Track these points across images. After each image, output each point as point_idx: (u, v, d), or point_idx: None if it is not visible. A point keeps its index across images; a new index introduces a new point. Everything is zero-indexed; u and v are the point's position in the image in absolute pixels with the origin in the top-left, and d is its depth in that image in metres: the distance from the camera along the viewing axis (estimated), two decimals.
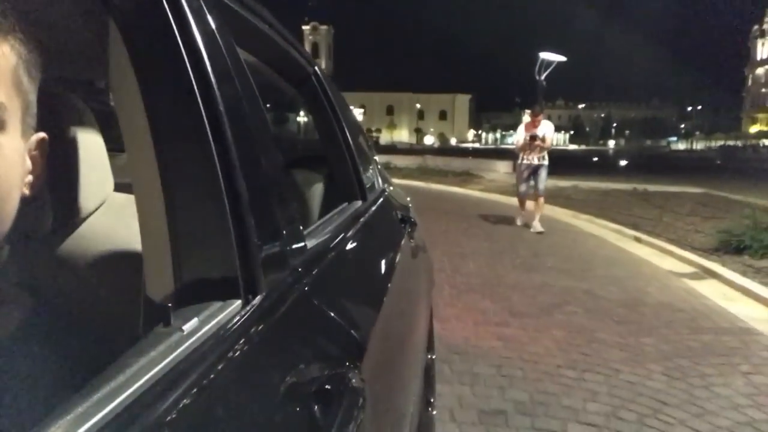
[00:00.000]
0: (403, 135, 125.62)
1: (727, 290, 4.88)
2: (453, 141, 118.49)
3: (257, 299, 0.61)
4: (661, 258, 6.27)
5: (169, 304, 0.53)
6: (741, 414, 2.58)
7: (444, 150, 50.15)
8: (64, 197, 0.68)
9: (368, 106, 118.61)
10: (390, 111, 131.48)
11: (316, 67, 1.56)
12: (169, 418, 0.40)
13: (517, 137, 7.89)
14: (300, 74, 1.51)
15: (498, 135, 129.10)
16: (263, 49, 1.17)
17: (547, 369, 3.04)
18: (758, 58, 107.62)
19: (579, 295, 4.49)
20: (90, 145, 0.71)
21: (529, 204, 7.93)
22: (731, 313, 4.22)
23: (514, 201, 11.50)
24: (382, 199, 1.80)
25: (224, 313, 0.56)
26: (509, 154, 26.97)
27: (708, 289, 4.93)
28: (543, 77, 17.90)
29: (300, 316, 0.73)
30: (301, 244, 0.84)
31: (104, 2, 0.60)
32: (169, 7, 0.61)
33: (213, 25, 0.69)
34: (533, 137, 7.45)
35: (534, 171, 7.60)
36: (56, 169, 0.64)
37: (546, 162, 7.62)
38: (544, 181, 7.70)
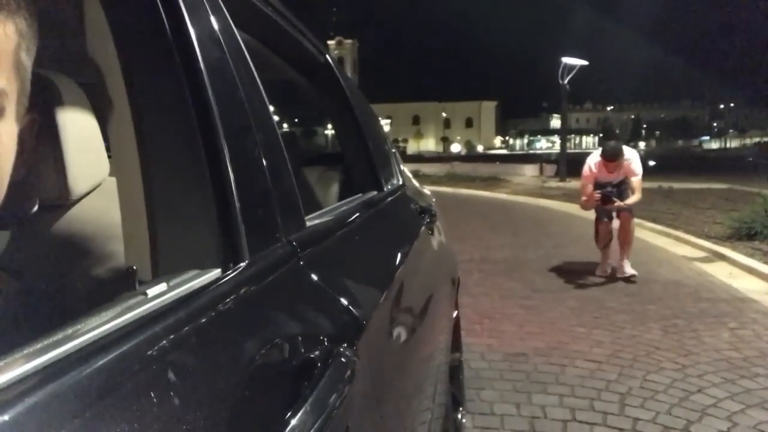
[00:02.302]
0: (429, 144, 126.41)
1: (734, 270, 5.37)
2: (480, 148, 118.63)
3: (239, 267, 0.60)
4: (676, 246, 6.76)
5: (134, 267, 0.53)
6: (720, 354, 3.15)
7: (471, 157, 50.57)
8: (52, 179, 0.66)
9: (394, 116, 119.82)
10: (416, 121, 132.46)
11: (328, 56, 1.52)
12: (111, 372, 0.39)
13: (583, 187, 4.97)
14: (311, 64, 1.47)
15: (525, 141, 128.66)
16: (270, 36, 1.15)
17: (561, 327, 3.65)
18: None
19: (595, 278, 5.06)
20: (81, 127, 0.69)
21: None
22: (733, 287, 4.74)
23: (538, 201, 12.15)
24: (399, 192, 1.74)
25: (198, 280, 0.55)
26: (535, 158, 27.30)
27: (715, 269, 5.43)
28: (566, 81, 18.40)
29: (289, 288, 0.71)
30: (299, 221, 0.83)
31: None
32: None
33: (207, 4, 0.69)
34: (605, 197, 4.70)
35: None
36: (44, 149, 0.64)
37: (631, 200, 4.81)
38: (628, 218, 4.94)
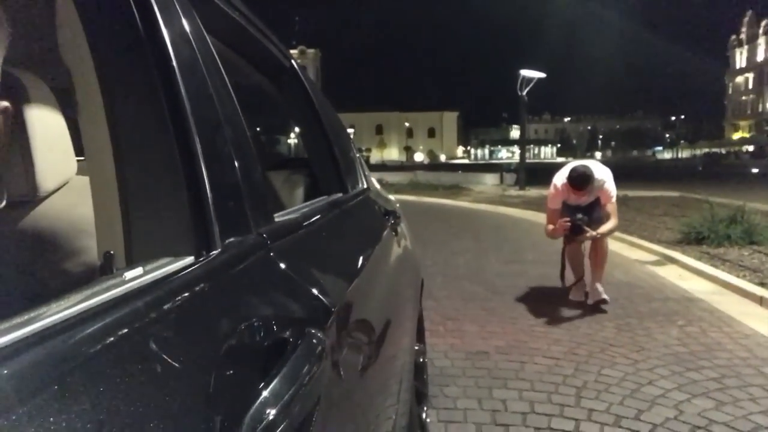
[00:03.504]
0: (393, 153, 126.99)
1: (683, 272, 5.63)
2: (443, 158, 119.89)
3: (211, 255, 0.62)
4: (630, 250, 7.01)
5: (111, 252, 0.54)
6: (669, 349, 3.33)
7: (434, 166, 51.08)
8: (20, 175, 0.67)
9: (358, 125, 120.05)
10: (379, 130, 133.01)
11: (293, 61, 1.54)
12: (87, 349, 0.39)
13: (548, 213, 4.43)
14: (277, 68, 1.49)
15: (486, 150, 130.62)
16: (236, 39, 1.17)
17: (521, 326, 3.78)
18: (737, 67, 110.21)
19: (553, 280, 5.21)
20: (48, 124, 0.70)
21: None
22: (682, 287, 4.97)
23: (499, 209, 12.42)
24: (364, 195, 1.78)
25: (173, 265, 0.56)
26: (496, 168, 27.79)
27: (666, 272, 5.68)
28: (525, 93, 18.87)
29: (260, 276, 0.73)
30: (268, 215, 0.85)
31: None
32: None
33: (178, 6, 0.71)
34: (576, 228, 4.08)
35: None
36: (12, 146, 0.65)
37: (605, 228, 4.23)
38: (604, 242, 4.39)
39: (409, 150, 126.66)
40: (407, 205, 10.49)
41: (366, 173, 2.06)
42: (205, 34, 0.79)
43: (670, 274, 5.57)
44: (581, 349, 3.33)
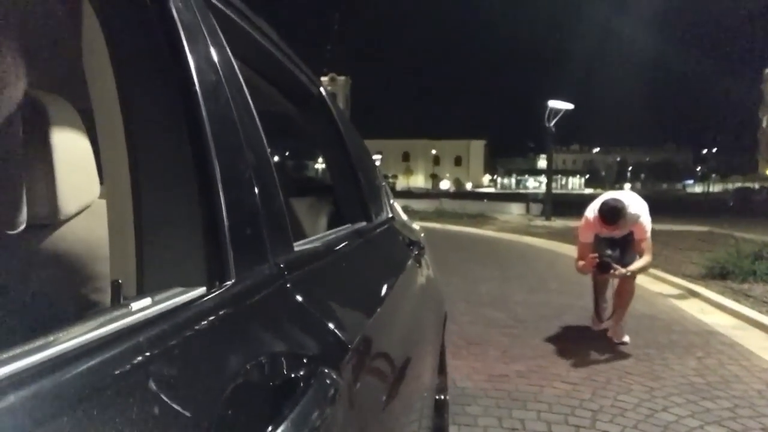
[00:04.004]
0: (419, 180, 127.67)
1: (705, 306, 5.69)
2: (468, 186, 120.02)
3: (224, 286, 0.60)
4: (653, 284, 7.07)
5: (120, 281, 0.54)
6: (685, 379, 3.44)
7: (460, 194, 51.25)
8: (42, 197, 0.66)
9: (385, 152, 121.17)
10: (406, 157, 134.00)
11: (321, 89, 1.52)
12: (83, 385, 0.38)
13: (579, 246, 4.20)
14: (305, 95, 1.48)
15: (513, 179, 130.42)
16: (264, 65, 1.16)
17: (541, 352, 3.93)
18: None
19: (575, 310, 5.34)
20: (73, 147, 0.70)
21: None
22: (703, 321, 5.05)
23: (524, 239, 12.50)
24: (388, 224, 1.75)
25: (184, 296, 0.55)
26: (522, 197, 27.78)
27: (688, 305, 5.75)
28: (552, 124, 19.01)
29: (274, 309, 0.71)
30: (287, 244, 0.83)
31: (97, 13, 0.62)
32: (158, 15, 0.62)
33: (205, 31, 0.71)
34: (604, 265, 3.92)
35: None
36: (35, 169, 0.65)
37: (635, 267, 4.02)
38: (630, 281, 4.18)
39: (435, 177, 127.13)
40: (432, 232, 10.69)
41: (391, 202, 2.06)
42: (232, 58, 0.79)
43: (692, 307, 5.63)
44: (599, 376, 3.47)
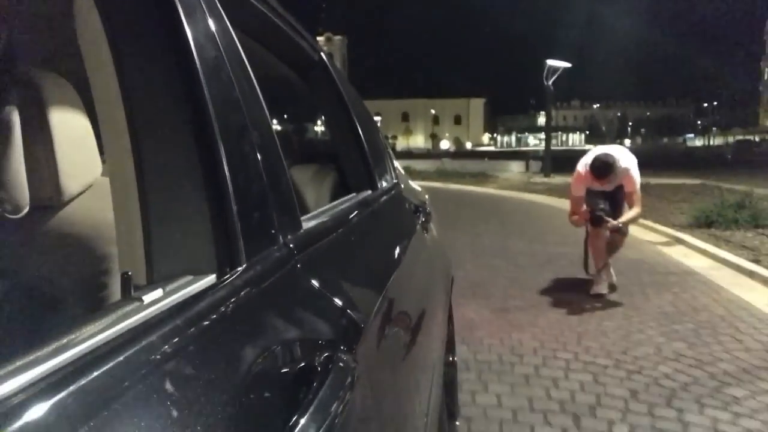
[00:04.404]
0: (419, 141, 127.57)
1: (688, 251, 6.24)
2: (469, 145, 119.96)
3: (235, 272, 0.60)
4: (643, 233, 7.60)
5: (129, 273, 0.52)
6: (660, 309, 4.03)
7: (460, 154, 51.56)
8: (44, 179, 0.66)
9: (384, 113, 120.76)
10: (405, 117, 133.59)
11: (323, 54, 1.50)
12: (110, 382, 0.38)
13: (572, 200, 4.43)
14: (306, 61, 1.45)
15: (513, 137, 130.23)
16: (264, 33, 1.14)
17: (537, 290, 4.52)
18: None
19: (569, 257, 5.90)
20: (74, 126, 0.69)
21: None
22: (684, 264, 5.61)
23: (524, 196, 13.04)
24: (394, 191, 1.74)
25: (195, 285, 0.54)
26: (522, 155, 28.18)
27: (674, 251, 6.30)
28: (551, 82, 19.30)
29: (287, 292, 0.70)
30: (295, 222, 0.82)
31: None
32: None
33: (202, 2, 0.68)
34: (596, 218, 4.15)
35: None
36: (35, 149, 0.64)
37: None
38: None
39: (435, 137, 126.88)
40: (435, 191, 11.23)
41: (394, 165, 2.03)
42: (232, 31, 0.76)
43: (677, 253, 6.18)
44: (586, 307, 4.06)
